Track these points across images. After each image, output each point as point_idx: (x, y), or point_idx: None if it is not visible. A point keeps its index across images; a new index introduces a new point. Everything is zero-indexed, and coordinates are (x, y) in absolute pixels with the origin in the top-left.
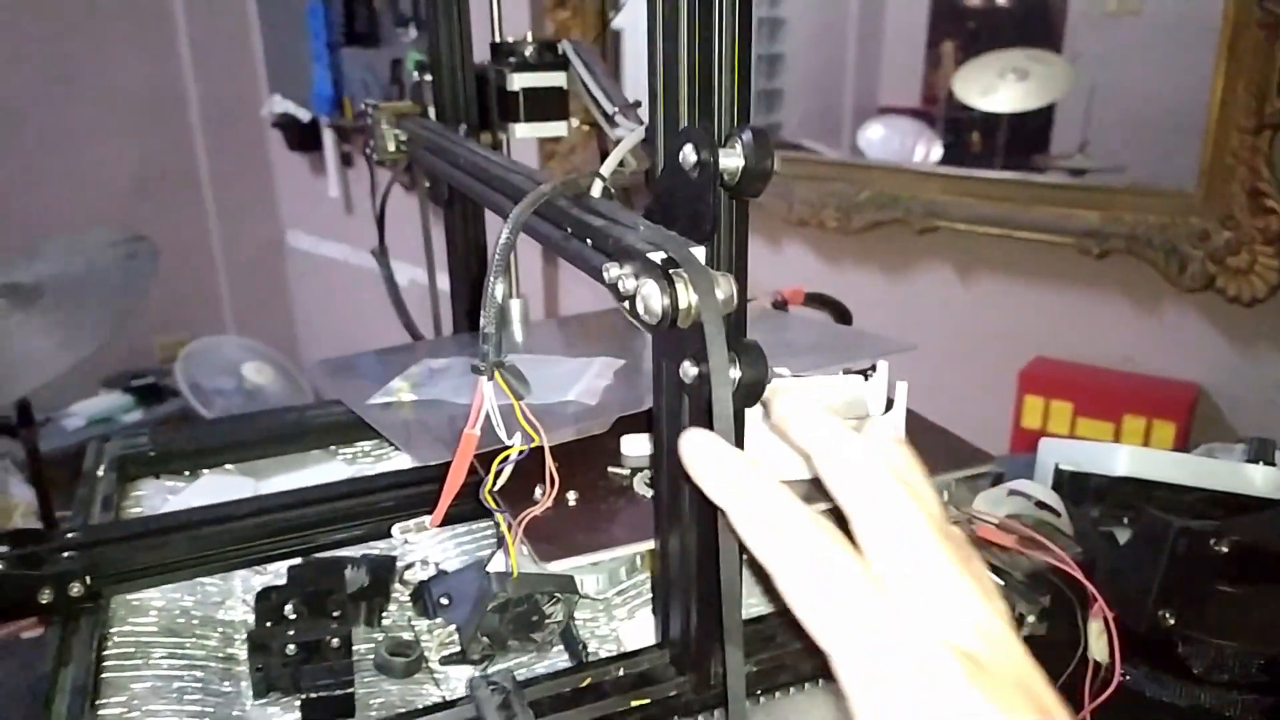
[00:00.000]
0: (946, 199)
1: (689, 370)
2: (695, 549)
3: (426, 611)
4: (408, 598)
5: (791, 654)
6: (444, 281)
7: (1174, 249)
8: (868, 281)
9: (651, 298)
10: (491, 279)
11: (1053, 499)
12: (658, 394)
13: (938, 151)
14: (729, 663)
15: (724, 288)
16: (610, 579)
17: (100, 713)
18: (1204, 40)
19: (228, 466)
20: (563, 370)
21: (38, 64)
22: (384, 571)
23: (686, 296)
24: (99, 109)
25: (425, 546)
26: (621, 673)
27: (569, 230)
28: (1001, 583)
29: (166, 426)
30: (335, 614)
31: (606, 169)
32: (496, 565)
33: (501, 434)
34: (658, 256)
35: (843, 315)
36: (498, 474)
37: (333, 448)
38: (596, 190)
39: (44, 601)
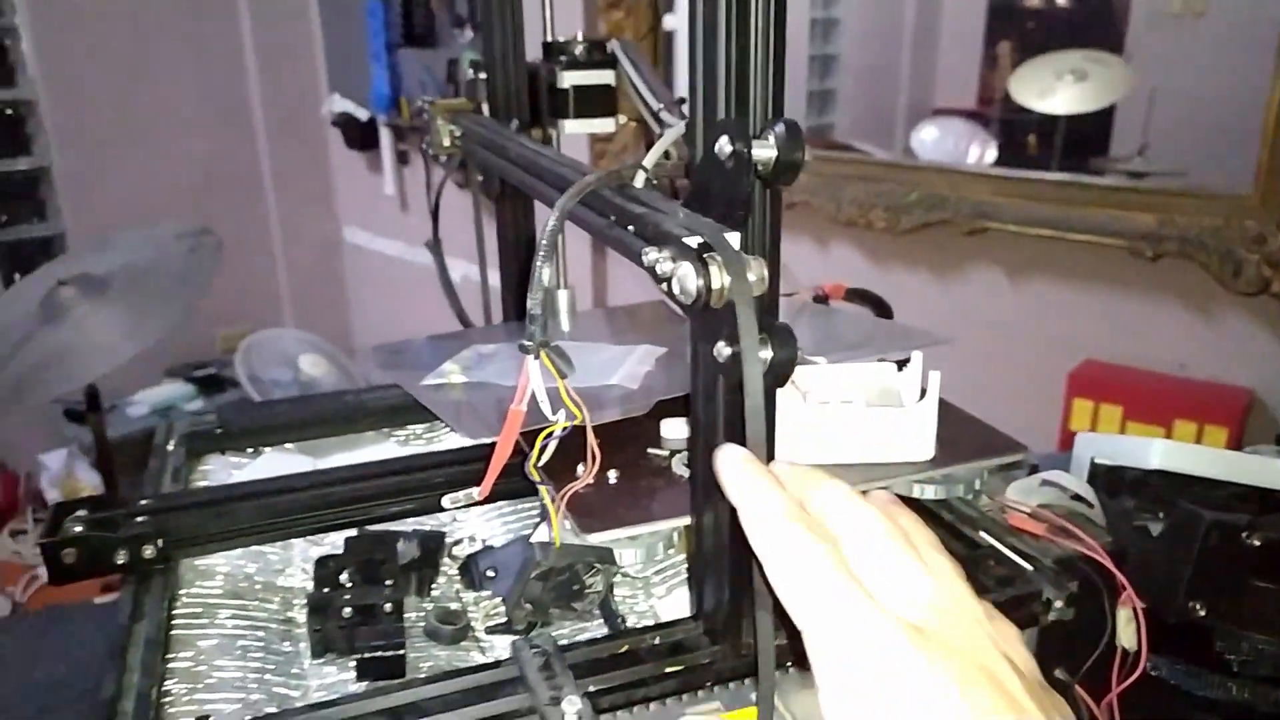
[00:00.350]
0: (997, 200)
1: (722, 350)
2: (728, 525)
3: (473, 584)
4: (455, 571)
5: None
6: (494, 276)
7: (1229, 252)
8: (915, 282)
9: (687, 279)
10: (538, 263)
11: (1085, 490)
12: (694, 375)
13: (992, 154)
14: (759, 627)
15: (755, 270)
16: (648, 554)
17: (170, 665)
18: (1268, 42)
19: (287, 445)
20: (606, 356)
21: (112, 64)
22: (434, 545)
23: (719, 278)
24: (168, 108)
25: (472, 524)
26: (657, 641)
27: (613, 218)
28: (1030, 568)
29: (231, 407)
30: (388, 582)
31: (649, 161)
32: (540, 537)
33: (546, 410)
34: (693, 241)
35: (883, 310)
36: (542, 449)
37: (386, 430)
38: (639, 181)
39: (119, 562)
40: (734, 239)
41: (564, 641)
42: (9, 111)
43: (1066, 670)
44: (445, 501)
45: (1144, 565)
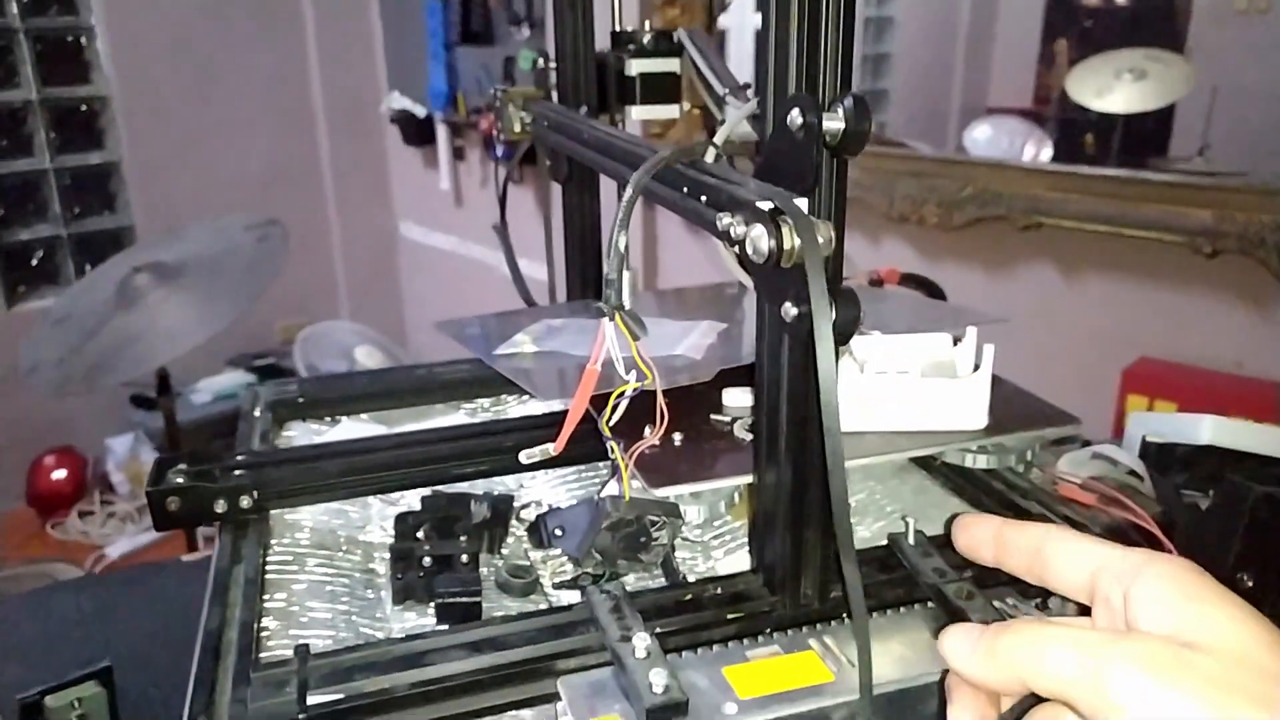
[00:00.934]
0: (1051, 196)
1: (789, 310)
2: (789, 483)
3: (541, 543)
4: (523, 533)
5: (876, 584)
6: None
7: None
8: (968, 278)
9: (760, 240)
10: (616, 230)
11: (1136, 464)
12: (761, 335)
13: (1047, 153)
14: (846, 575)
15: (823, 233)
16: (710, 511)
17: (266, 604)
18: None
19: (363, 415)
20: (670, 330)
21: (182, 62)
22: (504, 507)
23: (790, 239)
24: (234, 106)
25: (538, 490)
26: (719, 590)
27: (685, 190)
28: None
29: (311, 379)
30: (463, 538)
31: (719, 138)
32: (609, 491)
33: (620, 369)
34: (766, 205)
35: (936, 295)
36: (614, 408)
37: (455, 402)
38: (710, 157)
39: (218, 511)
40: (803, 204)
41: (630, 590)
42: (84, 108)
43: None
44: (522, 456)
45: (1192, 537)
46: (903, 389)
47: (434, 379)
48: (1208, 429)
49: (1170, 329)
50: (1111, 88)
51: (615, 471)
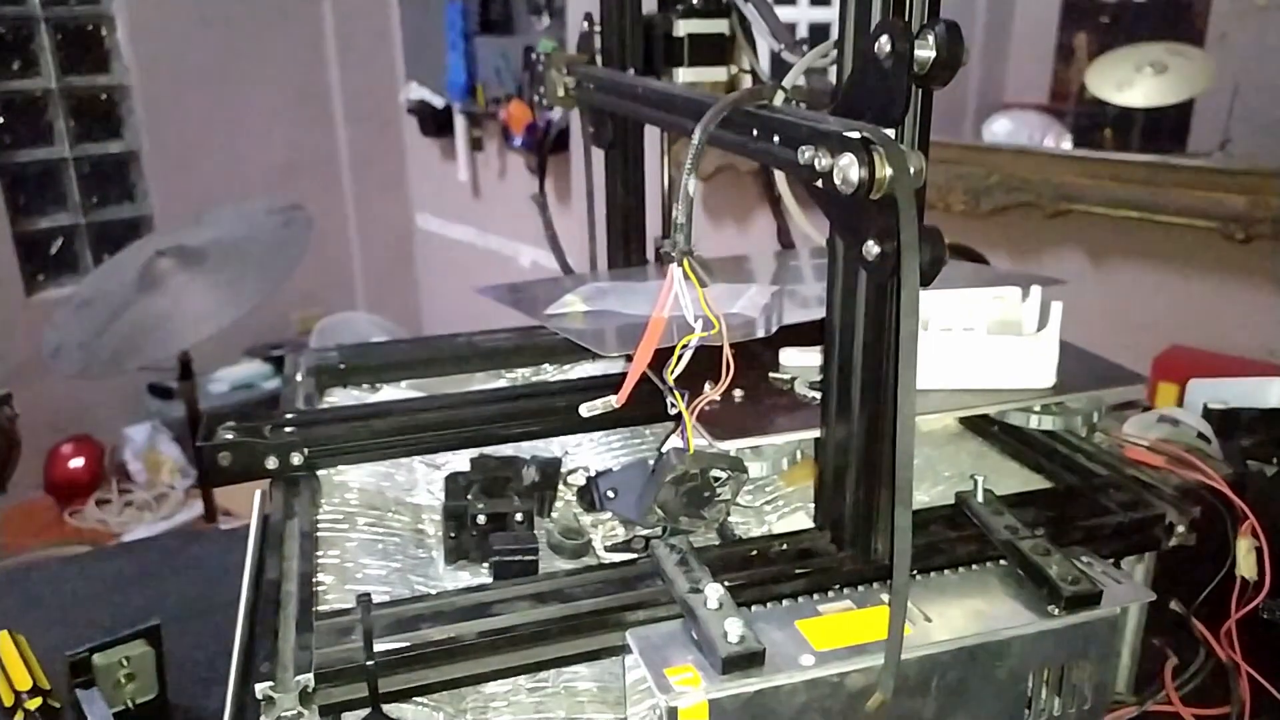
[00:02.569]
0: (1081, 182)
1: (871, 249)
2: (861, 436)
3: (592, 506)
4: (573, 497)
5: (946, 541)
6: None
7: None
8: (996, 265)
9: (850, 169)
10: (685, 175)
11: (1203, 425)
12: (833, 283)
13: (1066, 146)
14: (896, 527)
15: (915, 162)
16: (772, 466)
17: (320, 561)
18: None
19: (403, 384)
20: (723, 291)
21: (201, 52)
22: (552, 470)
23: (882, 168)
24: (253, 96)
25: (585, 456)
26: (784, 546)
27: (755, 133)
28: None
29: (352, 346)
30: (515, 498)
31: (790, 80)
32: (672, 444)
33: (689, 314)
34: (855, 134)
35: (981, 263)
36: (679, 358)
37: (496, 371)
38: (778, 100)
39: (270, 467)
40: (892, 135)
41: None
42: (104, 97)
43: (1183, 603)
44: (583, 409)
45: (1263, 500)
46: (969, 346)
47: (474, 347)
48: (1277, 391)
49: (1201, 316)
50: (1132, 81)
51: (678, 425)
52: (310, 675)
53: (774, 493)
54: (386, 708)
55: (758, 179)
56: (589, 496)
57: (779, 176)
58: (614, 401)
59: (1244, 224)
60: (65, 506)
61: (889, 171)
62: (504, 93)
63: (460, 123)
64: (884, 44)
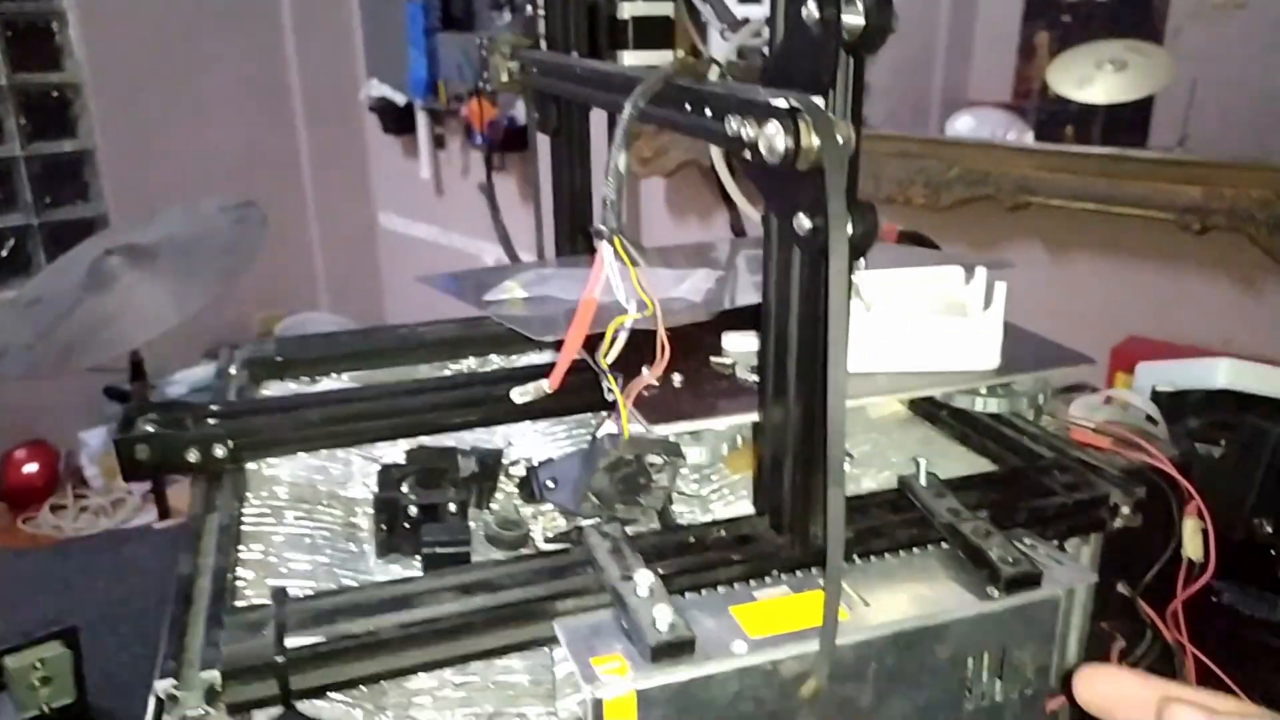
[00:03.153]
0: (1040, 175)
1: (803, 223)
2: (798, 418)
3: (532, 496)
4: (513, 489)
5: (887, 524)
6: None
7: (1278, 224)
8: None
9: (775, 138)
10: (615, 150)
11: (1149, 407)
12: (768, 258)
13: (1027, 141)
14: (829, 501)
15: (843, 131)
16: (712, 454)
17: (242, 556)
18: None
19: (344, 376)
20: (666, 276)
21: (155, 49)
22: (492, 461)
23: (808, 137)
24: (210, 93)
25: (528, 447)
26: (722, 533)
27: (688, 107)
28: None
29: (290, 338)
30: (450, 489)
31: (722, 53)
32: (606, 430)
33: (620, 294)
34: (781, 102)
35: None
36: (612, 340)
37: (440, 363)
38: (713, 75)
39: (191, 460)
40: (820, 103)
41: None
42: (55, 94)
43: (1129, 584)
44: (514, 394)
45: (1209, 482)
46: (912, 328)
47: (419, 338)
48: (1224, 372)
49: (1159, 307)
50: (1093, 78)
51: (613, 410)
52: (216, 672)
53: (719, 480)
54: (302, 705)
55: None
56: (529, 487)
57: (716, 155)
58: (546, 386)
59: (1200, 215)
60: (19, 513)
61: (816, 141)
62: (466, 89)
63: (422, 120)
64: (812, 10)
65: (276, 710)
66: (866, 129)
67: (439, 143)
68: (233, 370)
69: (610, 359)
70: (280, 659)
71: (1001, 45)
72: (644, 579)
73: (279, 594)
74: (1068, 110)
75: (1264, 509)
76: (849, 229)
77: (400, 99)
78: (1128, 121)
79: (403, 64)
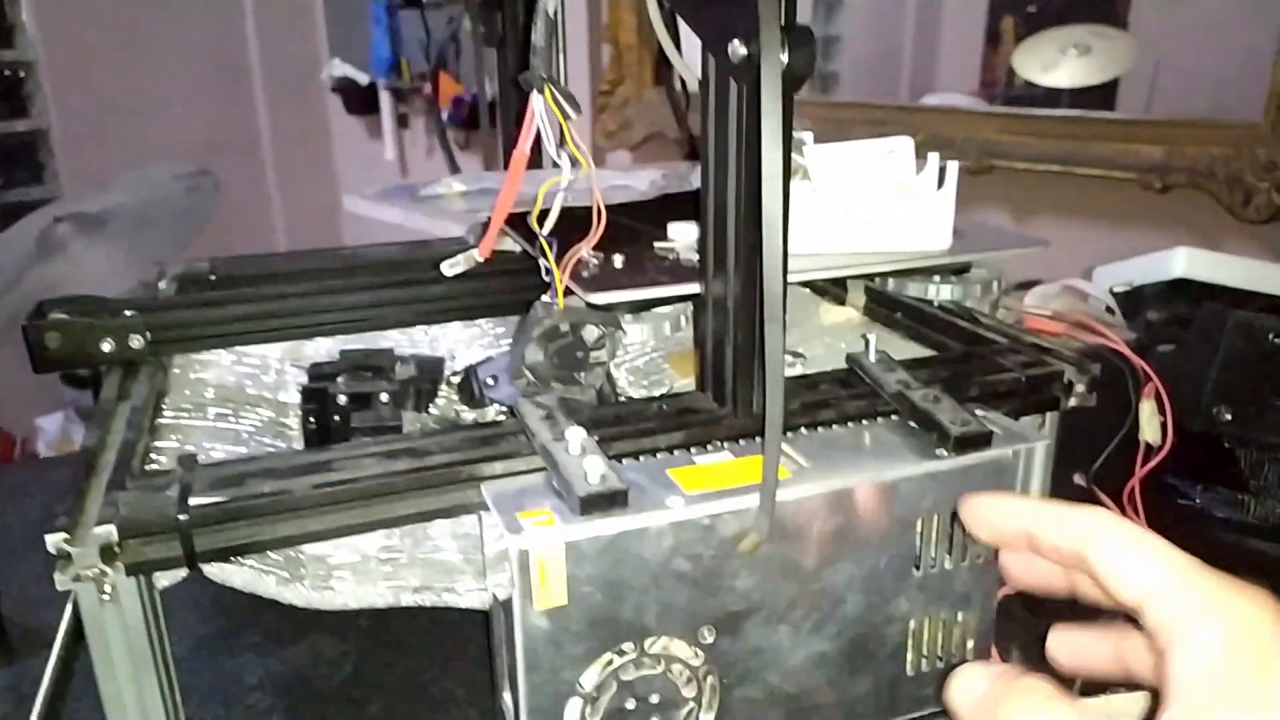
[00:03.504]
0: (1004, 138)
1: (737, 50)
2: (738, 282)
3: (473, 399)
4: (454, 396)
5: (835, 398)
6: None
7: (1238, 180)
8: None
9: None
10: None
11: (1107, 298)
12: (705, 89)
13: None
14: (768, 346)
15: None
16: (654, 332)
17: (159, 444)
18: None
19: None
20: (613, 175)
21: (111, 27)
22: (431, 367)
23: None
24: (168, 72)
25: (469, 358)
26: (663, 406)
27: None
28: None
29: (227, 258)
30: (383, 381)
31: None
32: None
33: (551, 149)
34: None
35: None
36: (546, 207)
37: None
38: None
39: (105, 350)
40: None
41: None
42: (7, 73)
43: (1085, 474)
44: (444, 266)
45: (1167, 370)
46: (862, 206)
47: (360, 258)
48: (1181, 261)
49: None
50: (1058, 63)
51: (550, 285)
52: (113, 527)
53: (660, 380)
54: (210, 570)
55: (684, 145)
56: (469, 389)
57: (651, 8)
58: (477, 255)
59: (1161, 173)
60: None
61: None
62: (429, 67)
63: (386, 100)
64: None
65: (180, 573)
66: (834, 99)
67: (403, 122)
68: (162, 285)
69: (546, 229)
70: (184, 517)
71: (969, 32)
72: (576, 436)
73: (187, 459)
74: (1033, 96)
75: (1223, 396)
76: (784, 55)
77: (363, 78)
78: (1092, 106)
79: (365, 43)
